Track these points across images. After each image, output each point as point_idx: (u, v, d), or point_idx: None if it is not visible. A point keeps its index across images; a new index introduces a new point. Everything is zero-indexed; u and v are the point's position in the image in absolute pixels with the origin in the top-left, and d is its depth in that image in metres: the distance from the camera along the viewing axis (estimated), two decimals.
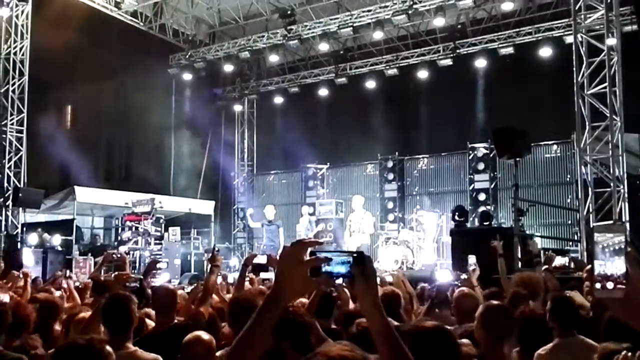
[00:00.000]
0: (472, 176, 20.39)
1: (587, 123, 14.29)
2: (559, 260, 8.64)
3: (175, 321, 5.33)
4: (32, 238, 17.26)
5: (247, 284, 8.36)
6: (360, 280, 2.17)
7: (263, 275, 10.28)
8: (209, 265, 6.12)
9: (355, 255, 2.21)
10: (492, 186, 19.96)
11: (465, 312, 5.42)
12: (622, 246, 1.58)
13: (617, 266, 1.58)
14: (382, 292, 6.46)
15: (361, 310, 2.33)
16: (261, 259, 7.03)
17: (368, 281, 2.19)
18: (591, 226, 13.85)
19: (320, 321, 4.94)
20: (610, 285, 1.59)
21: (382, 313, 2.21)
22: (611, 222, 13.32)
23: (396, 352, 2.13)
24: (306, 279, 2.02)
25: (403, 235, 18.18)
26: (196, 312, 5.48)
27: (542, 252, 13.45)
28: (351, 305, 5.89)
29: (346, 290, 6.31)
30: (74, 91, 25.00)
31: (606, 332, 3.78)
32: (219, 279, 11.21)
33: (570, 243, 17.42)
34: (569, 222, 18.89)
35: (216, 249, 7.33)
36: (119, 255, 8.92)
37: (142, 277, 6.10)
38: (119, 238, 19.35)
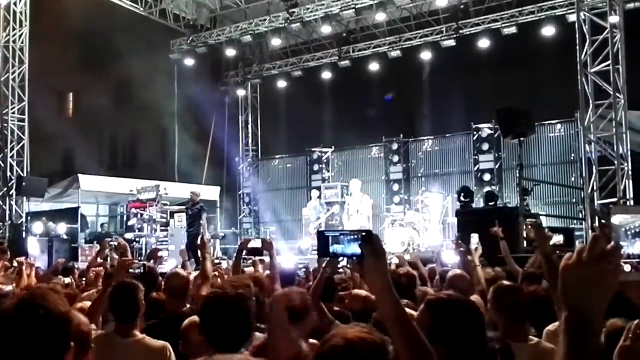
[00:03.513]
0: (476, 157, 20.34)
1: (590, 101, 14.24)
2: (554, 239, 8.57)
3: (187, 306, 5.34)
4: (37, 227, 17.27)
5: (250, 268, 8.41)
6: (370, 259, 2.15)
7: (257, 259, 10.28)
8: (200, 253, 6.12)
9: (363, 234, 2.19)
10: (496, 166, 19.92)
11: (460, 292, 5.39)
12: None
13: (638, 248, 1.54)
14: (399, 272, 6.46)
15: (370, 290, 2.29)
16: (255, 243, 6.99)
17: (378, 260, 2.16)
18: (595, 205, 13.83)
19: (325, 303, 4.96)
20: (628, 267, 1.55)
21: (392, 292, 2.17)
22: (616, 200, 13.30)
23: (407, 334, 2.10)
24: None
25: (409, 217, 18.16)
26: (199, 297, 5.47)
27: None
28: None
29: (356, 273, 6.34)
30: (75, 78, 24.96)
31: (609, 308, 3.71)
32: (224, 264, 11.31)
33: (575, 221, 17.41)
34: (573, 200, 18.85)
35: (203, 236, 7.33)
36: (117, 243, 8.86)
37: (145, 262, 6.09)
38: (125, 225, 19.34)
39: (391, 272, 6.70)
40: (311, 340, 4.23)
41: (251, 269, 8.28)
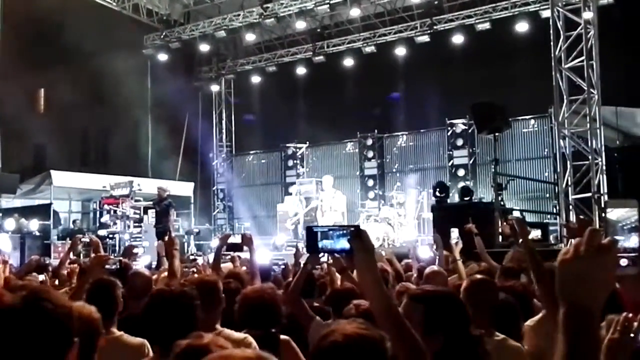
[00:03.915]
0: (451, 152, 20.48)
1: (565, 97, 14.32)
2: (532, 234, 8.66)
3: None
4: (9, 223, 17.00)
5: (229, 264, 8.35)
6: (360, 254, 2.17)
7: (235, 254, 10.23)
8: (168, 250, 6.02)
9: (352, 229, 2.20)
10: (470, 162, 20.08)
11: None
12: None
13: (633, 242, 1.54)
14: None
15: (360, 285, 2.30)
16: (235, 239, 6.95)
17: (367, 255, 2.18)
18: (570, 200, 13.93)
19: (305, 299, 4.96)
20: (624, 262, 1.55)
21: (382, 287, 2.21)
22: (590, 195, 13.43)
23: (398, 328, 2.10)
24: None
25: (384, 213, 18.19)
26: None
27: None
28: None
29: (333, 268, 6.33)
30: (46, 74, 24.60)
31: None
32: (200, 260, 11.22)
33: (549, 216, 17.58)
34: (547, 195, 19.04)
35: (170, 233, 7.25)
36: (88, 240, 8.74)
37: (121, 258, 6.01)
38: (98, 222, 19.15)
39: None
40: (283, 337, 4.24)
41: (229, 264, 8.23)
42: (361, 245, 2.17)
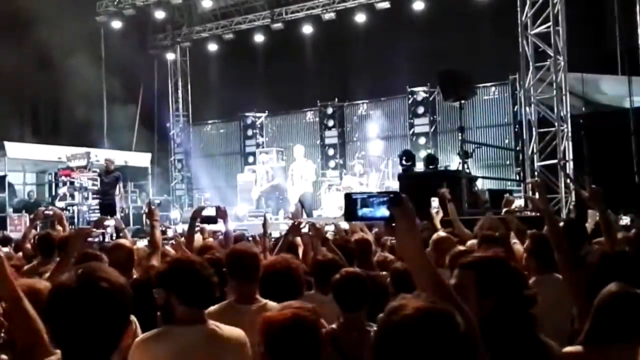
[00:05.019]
0: (412, 120, 20.45)
1: (530, 63, 14.36)
2: (516, 203, 8.71)
3: (135, 277, 5.12)
4: None
5: (197, 235, 8.17)
6: (401, 222, 2.10)
7: (211, 227, 10.08)
8: (149, 221, 5.88)
9: (392, 195, 2.14)
10: (432, 130, 20.08)
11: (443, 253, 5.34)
12: None
13: None
14: (352, 239, 6.36)
15: (402, 252, 2.25)
16: (209, 211, 6.79)
17: (409, 223, 2.12)
18: (535, 166, 14.05)
19: None
20: None
21: (425, 256, 2.16)
22: (556, 162, 13.58)
23: (445, 297, 2.01)
24: None
25: (346, 182, 18.13)
26: (149, 267, 5.26)
27: (486, 194, 13.64)
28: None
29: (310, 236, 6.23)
30: None
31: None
32: (170, 232, 11.01)
33: (509, 183, 17.77)
34: (507, 162, 19.20)
35: (152, 203, 7.07)
36: (51, 212, 8.49)
37: (104, 232, 5.79)
38: (54, 194, 18.70)
39: (344, 239, 6.65)
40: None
41: (198, 236, 8.05)
42: (402, 212, 2.10)
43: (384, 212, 2.14)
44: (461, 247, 5.37)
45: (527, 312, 2.46)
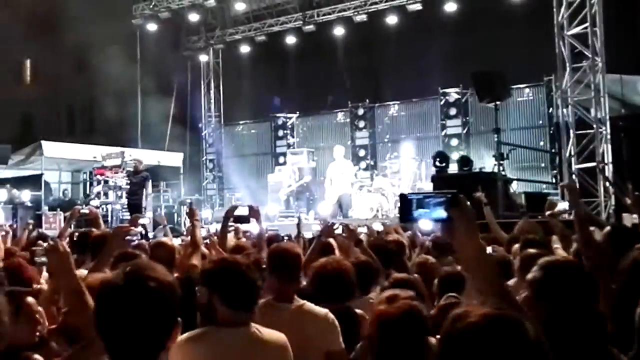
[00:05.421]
0: (444, 122, 20.37)
1: (567, 64, 14.13)
2: (560, 206, 8.72)
3: (176, 275, 5.20)
4: (1, 194, 16.80)
5: (231, 234, 8.25)
6: (460, 224, 2.06)
7: (244, 227, 10.13)
8: (189, 220, 5.99)
9: (450, 195, 2.09)
10: (464, 131, 19.98)
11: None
12: None
13: None
14: (388, 240, 6.40)
15: (461, 255, 2.16)
16: (242, 211, 6.87)
17: (469, 224, 2.07)
18: (573, 169, 13.81)
19: None
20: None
21: (487, 256, 2.15)
22: (595, 165, 13.36)
23: (506, 300, 2.03)
24: None
25: (377, 183, 18.06)
26: (191, 266, 5.35)
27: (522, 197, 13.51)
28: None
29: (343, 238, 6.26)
30: (33, 45, 24.27)
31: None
32: (203, 232, 11.13)
33: (544, 186, 17.57)
34: (542, 165, 19.03)
35: (193, 203, 7.17)
36: (87, 211, 8.63)
37: (143, 231, 5.92)
38: (88, 192, 18.98)
39: (383, 240, 6.64)
40: (359, 311, 4.11)
41: (231, 235, 8.13)
42: (461, 214, 2.05)
43: (440, 213, 2.08)
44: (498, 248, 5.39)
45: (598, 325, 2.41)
